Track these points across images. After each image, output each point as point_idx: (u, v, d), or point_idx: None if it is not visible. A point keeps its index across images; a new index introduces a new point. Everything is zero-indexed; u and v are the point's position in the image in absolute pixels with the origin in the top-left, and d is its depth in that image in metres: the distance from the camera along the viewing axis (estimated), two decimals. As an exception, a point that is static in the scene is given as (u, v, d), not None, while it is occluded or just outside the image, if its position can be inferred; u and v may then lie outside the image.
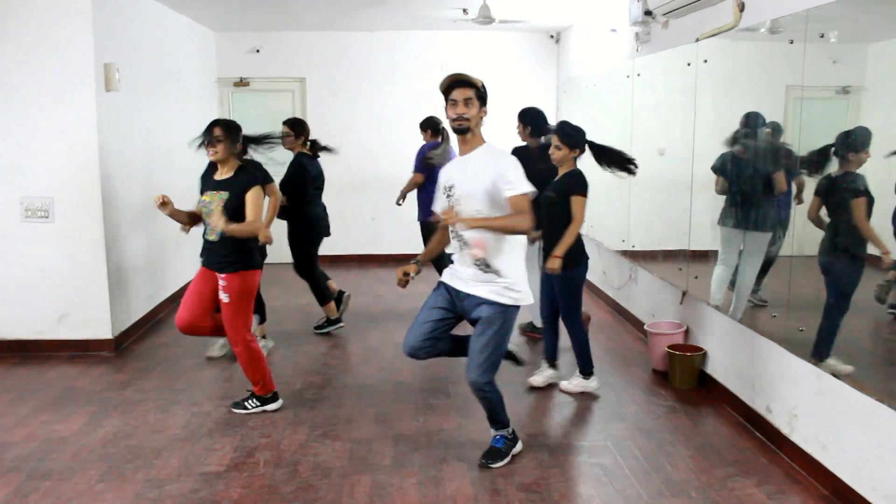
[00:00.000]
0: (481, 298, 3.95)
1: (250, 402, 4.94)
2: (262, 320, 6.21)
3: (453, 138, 4.29)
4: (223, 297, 4.72)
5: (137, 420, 4.83)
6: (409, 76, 10.02)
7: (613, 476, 4.07)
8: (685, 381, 5.38)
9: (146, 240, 7.08)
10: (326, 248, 10.20)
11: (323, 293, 6.74)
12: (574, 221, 4.99)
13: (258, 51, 9.87)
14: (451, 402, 5.11)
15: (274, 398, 4.98)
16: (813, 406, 4.04)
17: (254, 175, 4.83)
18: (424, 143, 7.47)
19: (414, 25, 9.51)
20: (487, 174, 3.84)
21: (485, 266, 3.92)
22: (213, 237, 4.74)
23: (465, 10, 8.03)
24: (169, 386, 5.43)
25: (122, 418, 4.86)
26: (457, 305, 4.09)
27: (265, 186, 5.23)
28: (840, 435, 3.80)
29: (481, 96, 3.95)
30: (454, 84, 3.92)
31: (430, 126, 7.43)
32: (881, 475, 3.49)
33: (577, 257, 5.09)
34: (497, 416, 4.24)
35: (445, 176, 4.08)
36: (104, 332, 6.22)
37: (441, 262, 7.57)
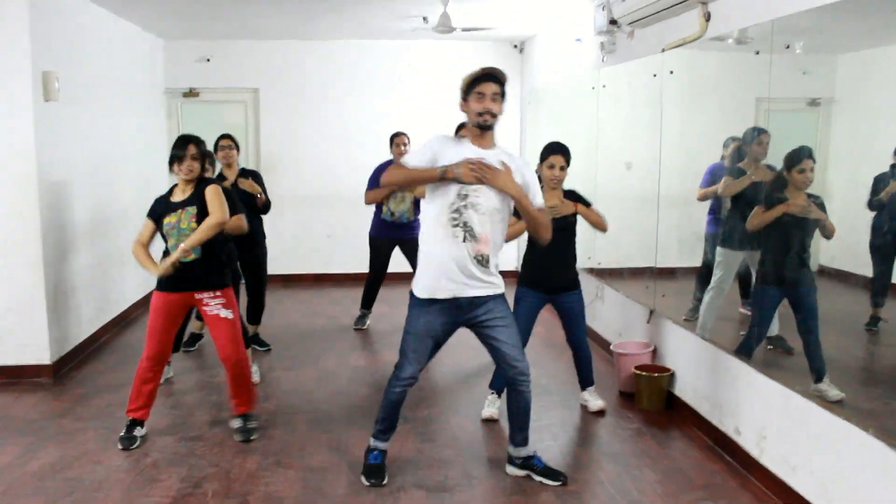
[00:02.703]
0: (490, 295, 4.06)
1: (251, 422, 4.95)
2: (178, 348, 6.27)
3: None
4: (225, 314, 4.74)
5: (76, 451, 4.73)
6: (367, 87, 10.03)
7: (578, 502, 4.08)
8: (652, 402, 5.41)
9: (89, 259, 6.98)
10: (280, 267, 10.23)
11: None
12: (601, 221, 5.11)
13: (209, 60, 9.82)
14: (408, 427, 5.08)
15: None
16: (782, 427, 4.09)
17: (210, 179, 4.86)
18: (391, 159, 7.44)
19: (373, 35, 9.54)
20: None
21: (485, 262, 4.00)
22: (192, 257, 4.66)
23: (424, 19, 8.06)
24: (111, 414, 5.34)
25: (60, 449, 4.76)
26: (455, 319, 4.10)
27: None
28: (809, 456, 3.85)
29: (504, 95, 4.03)
30: (485, 77, 3.97)
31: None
32: (849, 497, 3.54)
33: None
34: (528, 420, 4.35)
35: (456, 157, 3.96)
36: (41, 357, 6.11)
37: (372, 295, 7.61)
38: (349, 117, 10.06)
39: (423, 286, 4.05)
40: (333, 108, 10.08)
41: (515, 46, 10.14)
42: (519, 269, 5.33)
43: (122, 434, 4.80)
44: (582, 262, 7.24)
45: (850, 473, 3.55)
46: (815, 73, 4.20)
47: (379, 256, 7.53)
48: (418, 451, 4.72)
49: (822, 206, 3.96)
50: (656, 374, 5.41)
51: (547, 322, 7.89)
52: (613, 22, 6.30)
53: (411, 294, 4.12)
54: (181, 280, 4.69)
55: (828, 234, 3.97)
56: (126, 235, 7.83)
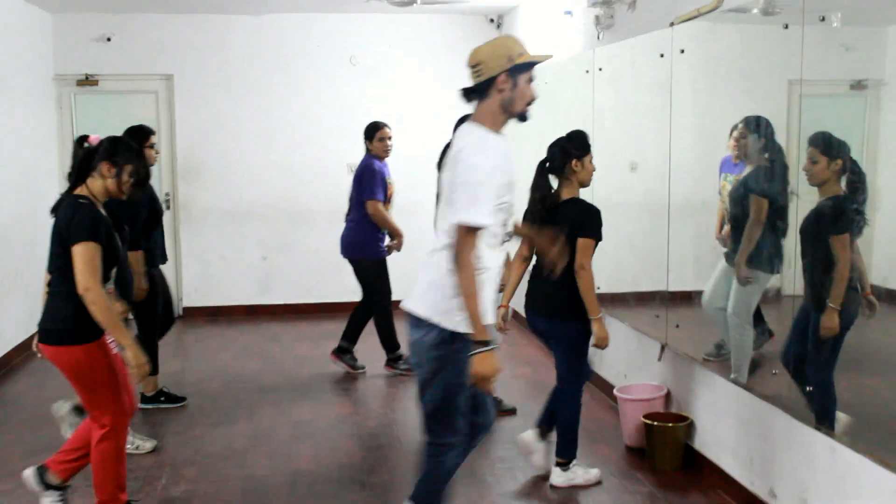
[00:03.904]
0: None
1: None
2: None
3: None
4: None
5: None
6: (310, 72, 10.00)
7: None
8: (667, 459, 5.38)
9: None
10: (203, 298, 10.15)
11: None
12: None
13: (109, 39, 9.72)
14: (367, 497, 5.02)
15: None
16: (827, 487, 4.08)
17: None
18: (372, 157, 7.38)
19: (315, 7, 9.53)
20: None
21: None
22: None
23: (379, -12, 8.07)
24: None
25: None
26: None
27: None
28: (862, 524, 3.83)
29: None
30: (535, 64, 3.89)
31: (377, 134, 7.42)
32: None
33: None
34: None
35: (507, 167, 3.84)
36: None
37: (392, 340, 7.56)
38: (289, 110, 10.01)
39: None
40: (268, 98, 10.02)
41: (492, 21, 10.16)
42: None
43: None
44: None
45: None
46: (860, 50, 4.21)
47: (387, 281, 7.53)
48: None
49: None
50: (671, 425, 5.39)
51: (535, 361, 7.89)
52: (611, -11, 6.34)
53: (455, 335, 3.81)
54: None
55: None
56: (4, 254, 7.71)
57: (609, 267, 6.75)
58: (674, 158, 5.58)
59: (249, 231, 10.12)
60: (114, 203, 4.62)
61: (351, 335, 7.61)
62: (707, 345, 5.42)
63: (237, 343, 8.83)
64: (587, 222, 4.99)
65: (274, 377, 7.58)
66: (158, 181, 9.85)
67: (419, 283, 3.91)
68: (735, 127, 4.99)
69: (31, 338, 7.25)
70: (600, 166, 6.76)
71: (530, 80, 3.86)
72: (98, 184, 4.44)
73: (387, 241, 7.45)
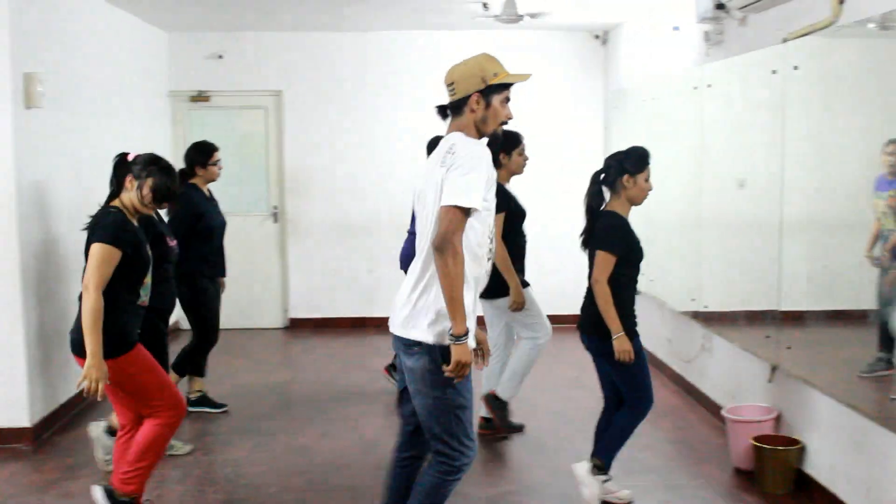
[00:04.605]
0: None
1: None
2: None
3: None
4: None
5: (60, 535, 4.76)
6: (417, 89, 10.03)
7: None
8: (778, 483, 5.29)
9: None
10: (309, 310, 10.29)
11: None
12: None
13: (221, 56, 9.97)
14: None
15: None
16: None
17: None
18: None
19: (421, 24, 9.60)
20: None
21: None
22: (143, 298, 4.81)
23: (485, 5, 8.10)
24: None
25: (41, 533, 4.80)
26: None
27: None
28: None
29: None
30: (510, 84, 3.95)
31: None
32: None
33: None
34: None
35: (492, 176, 3.85)
36: (20, 418, 6.19)
37: None
38: (394, 125, 10.09)
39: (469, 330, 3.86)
40: (373, 113, 10.13)
41: (597, 37, 10.12)
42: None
43: None
44: (684, 304, 7.19)
45: None
46: None
47: None
48: None
49: None
50: (782, 448, 5.29)
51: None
52: (720, 6, 6.26)
53: (444, 348, 3.80)
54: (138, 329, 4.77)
55: None
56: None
57: (717, 285, 6.68)
58: (786, 176, 5.47)
59: (355, 244, 10.23)
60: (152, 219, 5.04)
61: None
62: (822, 367, 5.29)
63: (343, 355, 8.93)
64: (606, 236, 4.92)
65: (378, 388, 7.65)
66: (266, 194, 10.07)
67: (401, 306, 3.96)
68: (890, 142, 4.82)
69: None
70: (708, 185, 6.72)
71: (506, 100, 3.92)
72: (127, 197, 4.63)
73: None
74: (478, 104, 3.85)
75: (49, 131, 6.56)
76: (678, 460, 5.80)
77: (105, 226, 4.47)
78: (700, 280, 6.85)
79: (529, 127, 10.04)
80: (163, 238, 5.41)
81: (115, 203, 4.64)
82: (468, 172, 3.67)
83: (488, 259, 3.92)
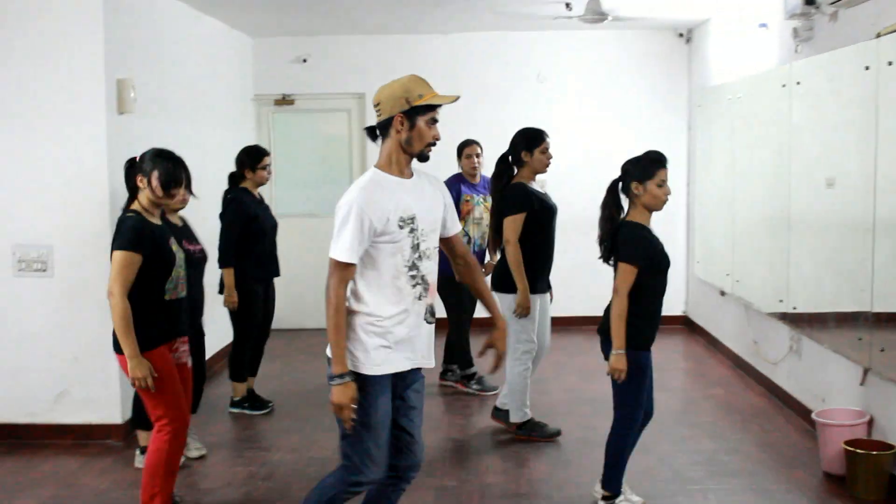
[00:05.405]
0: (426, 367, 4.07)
1: None
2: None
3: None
4: (190, 362, 5.01)
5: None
6: (495, 89, 10.06)
7: None
8: (871, 489, 5.18)
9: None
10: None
11: None
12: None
13: (305, 60, 10.09)
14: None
15: None
16: None
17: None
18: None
19: (503, 25, 9.59)
20: (439, 203, 4.06)
21: (431, 315, 4.01)
22: (184, 292, 4.90)
23: (567, 5, 8.07)
24: (195, 484, 5.44)
25: (134, 528, 4.89)
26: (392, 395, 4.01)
27: None
28: None
29: None
30: (437, 106, 4.00)
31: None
32: None
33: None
34: None
35: (399, 205, 3.86)
36: (112, 414, 6.32)
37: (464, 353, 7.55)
38: (475, 126, 10.03)
39: (382, 359, 3.86)
40: (455, 114, 10.11)
41: (681, 35, 10.03)
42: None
43: None
44: (772, 305, 7.07)
45: None
46: None
47: (464, 299, 7.40)
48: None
49: None
50: (875, 453, 5.18)
51: (726, 382, 7.72)
52: (810, 2, 6.17)
53: (359, 376, 3.84)
54: (178, 323, 4.86)
55: None
56: (215, 264, 8.06)
57: (806, 286, 6.56)
58: (879, 175, 5.36)
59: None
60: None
61: (455, 356, 7.70)
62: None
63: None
64: (625, 248, 4.77)
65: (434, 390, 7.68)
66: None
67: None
68: None
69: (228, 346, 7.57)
70: (797, 184, 6.60)
71: (432, 121, 3.93)
72: (143, 196, 4.72)
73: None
74: (402, 125, 3.86)
75: (141, 136, 6.68)
76: (766, 464, 5.72)
77: (123, 232, 4.59)
78: (788, 281, 6.74)
79: (612, 126, 10.07)
80: (180, 242, 5.42)
81: (133, 206, 4.74)
82: (340, 227, 3.79)
83: (418, 284, 3.89)
